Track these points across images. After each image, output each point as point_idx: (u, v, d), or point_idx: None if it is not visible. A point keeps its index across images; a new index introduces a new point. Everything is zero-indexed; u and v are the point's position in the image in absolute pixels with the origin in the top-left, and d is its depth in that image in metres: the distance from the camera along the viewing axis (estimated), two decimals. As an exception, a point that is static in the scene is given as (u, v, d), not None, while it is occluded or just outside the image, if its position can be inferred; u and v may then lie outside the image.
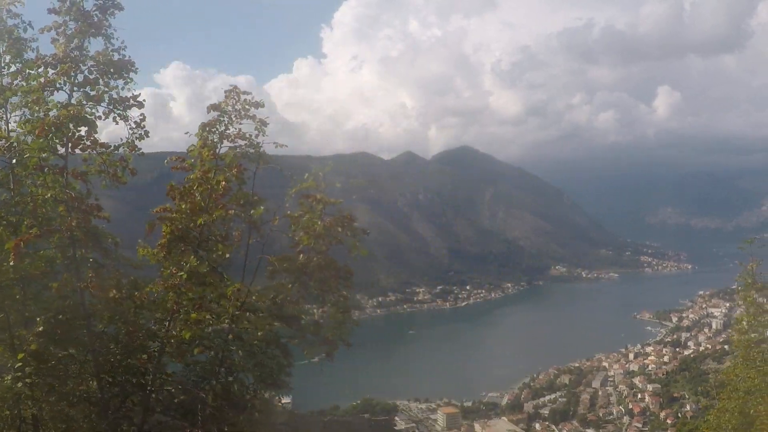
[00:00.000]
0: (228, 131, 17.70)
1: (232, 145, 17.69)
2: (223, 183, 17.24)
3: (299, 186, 18.63)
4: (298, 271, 18.18)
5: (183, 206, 16.90)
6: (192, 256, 16.74)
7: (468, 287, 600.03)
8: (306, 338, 18.37)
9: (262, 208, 18.09)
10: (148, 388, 17.11)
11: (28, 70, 16.84)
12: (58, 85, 16.23)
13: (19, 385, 15.37)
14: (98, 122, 16.61)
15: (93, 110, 16.58)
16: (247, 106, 17.83)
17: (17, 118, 17.10)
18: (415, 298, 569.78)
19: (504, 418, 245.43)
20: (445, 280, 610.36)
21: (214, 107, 17.66)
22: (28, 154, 16.32)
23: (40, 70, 16.41)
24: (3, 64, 17.54)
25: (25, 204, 16.42)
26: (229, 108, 17.71)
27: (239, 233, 18.00)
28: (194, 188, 17.03)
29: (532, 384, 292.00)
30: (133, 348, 16.58)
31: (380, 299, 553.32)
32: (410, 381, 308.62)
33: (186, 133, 17.24)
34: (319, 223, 18.19)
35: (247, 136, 17.80)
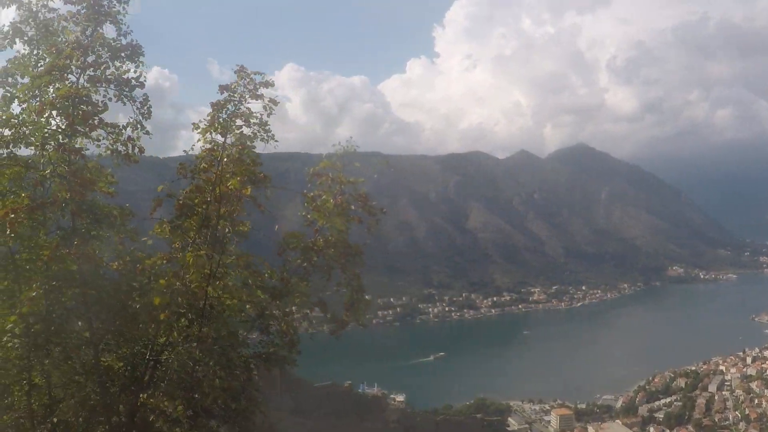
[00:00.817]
0: (239, 110, 17.87)
1: (244, 124, 17.88)
2: (225, 159, 17.51)
3: (315, 167, 18.68)
4: (306, 248, 18.32)
5: (192, 186, 17.30)
6: (194, 232, 17.15)
7: (583, 287, 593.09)
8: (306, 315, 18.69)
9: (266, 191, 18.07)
10: (151, 358, 17.50)
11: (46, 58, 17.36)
12: (65, 69, 16.65)
13: (16, 343, 16.09)
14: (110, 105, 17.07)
15: (105, 92, 17.01)
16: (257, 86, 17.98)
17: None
18: (531, 298, 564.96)
19: (618, 420, 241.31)
20: (560, 280, 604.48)
21: (224, 88, 17.90)
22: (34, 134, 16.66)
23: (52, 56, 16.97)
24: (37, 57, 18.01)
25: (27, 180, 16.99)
26: (240, 88, 17.93)
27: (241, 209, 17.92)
28: (200, 166, 17.43)
29: (647, 387, 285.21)
30: (129, 318, 16.84)
31: (495, 299, 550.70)
32: (524, 381, 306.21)
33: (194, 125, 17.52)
34: (331, 201, 18.28)
35: (257, 115, 17.96)
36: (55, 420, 17.00)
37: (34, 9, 17.42)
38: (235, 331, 17.79)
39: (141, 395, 17.37)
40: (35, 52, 17.43)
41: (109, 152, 17.18)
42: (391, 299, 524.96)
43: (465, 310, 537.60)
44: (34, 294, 15.71)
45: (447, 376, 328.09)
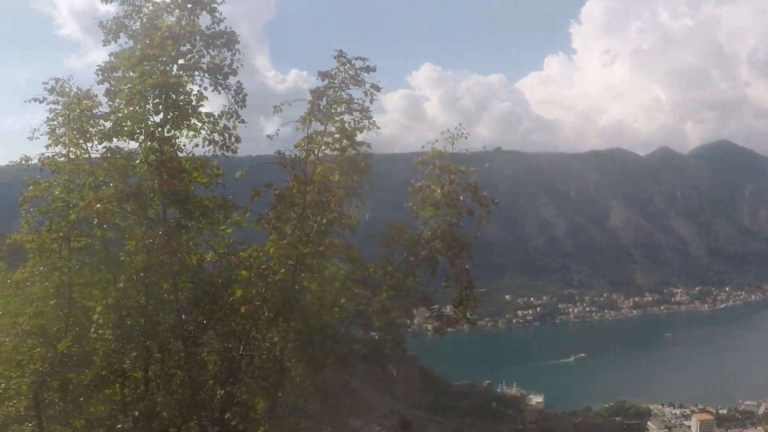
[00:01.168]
0: (339, 96, 17.25)
1: (345, 111, 17.26)
2: (323, 148, 16.91)
3: (422, 157, 17.79)
4: (411, 240, 17.42)
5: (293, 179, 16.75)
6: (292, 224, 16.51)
7: (727, 288, 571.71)
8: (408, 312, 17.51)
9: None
10: (245, 353, 16.93)
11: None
12: (154, 59, 16.47)
13: (108, 335, 16.10)
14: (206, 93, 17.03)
15: (201, 81, 16.96)
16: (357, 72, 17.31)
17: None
18: (672, 299, 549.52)
19: (760, 427, 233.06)
20: (703, 280, 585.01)
21: (324, 74, 17.29)
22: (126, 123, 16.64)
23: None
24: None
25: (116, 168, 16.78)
26: (339, 74, 17.31)
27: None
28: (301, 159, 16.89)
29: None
30: (221, 311, 16.33)
31: (636, 299, 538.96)
32: (664, 385, 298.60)
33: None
34: (438, 191, 17.38)
35: (357, 101, 17.30)
36: (145, 411, 16.59)
37: (138, 3, 17.11)
38: (326, 326, 16.97)
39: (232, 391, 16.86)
40: (139, 45, 17.10)
41: (206, 142, 17.05)
42: (531, 299, 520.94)
43: (605, 311, 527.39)
44: (121, 285, 15.49)
45: (586, 377, 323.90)
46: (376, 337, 17.53)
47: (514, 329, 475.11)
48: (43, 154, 17.42)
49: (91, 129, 17.14)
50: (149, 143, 16.38)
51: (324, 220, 16.82)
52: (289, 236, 16.45)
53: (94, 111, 17.27)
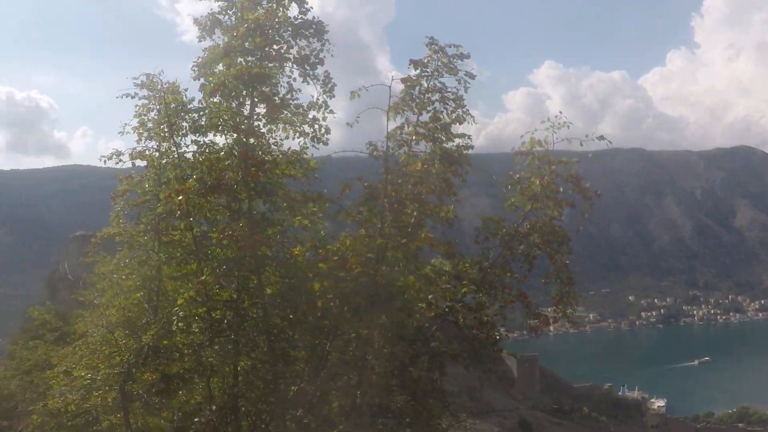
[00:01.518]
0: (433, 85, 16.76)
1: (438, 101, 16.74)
2: (415, 139, 16.51)
3: (520, 147, 17.12)
4: (508, 235, 16.73)
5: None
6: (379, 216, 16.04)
7: None
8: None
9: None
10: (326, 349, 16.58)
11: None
12: (237, 50, 16.28)
13: (179, 325, 16.11)
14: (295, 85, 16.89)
15: (290, 71, 16.78)
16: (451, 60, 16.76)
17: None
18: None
19: None
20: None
21: (416, 63, 16.79)
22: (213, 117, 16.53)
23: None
24: None
25: (200, 162, 16.59)
26: (432, 63, 16.78)
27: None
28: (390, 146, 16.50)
29: None
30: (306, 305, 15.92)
31: (762, 302, 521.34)
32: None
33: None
34: (537, 182, 16.68)
35: (450, 90, 16.76)
36: (231, 405, 16.58)
37: None
38: (406, 323, 16.35)
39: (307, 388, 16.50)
40: (225, 38, 16.95)
41: (297, 134, 16.86)
42: (655, 300, 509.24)
43: (731, 313, 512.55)
44: (203, 278, 15.34)
45: (710, 382, 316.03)
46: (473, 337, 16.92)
47: (636, 331, 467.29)
48: (134, 148, 17.55)
49: (180, 123, 17.07)
50: (234, 135, 16.21)
51: (414, 212, 16.26)
52: (378, 229, 16.01)
53: (187, 105, 17.23)
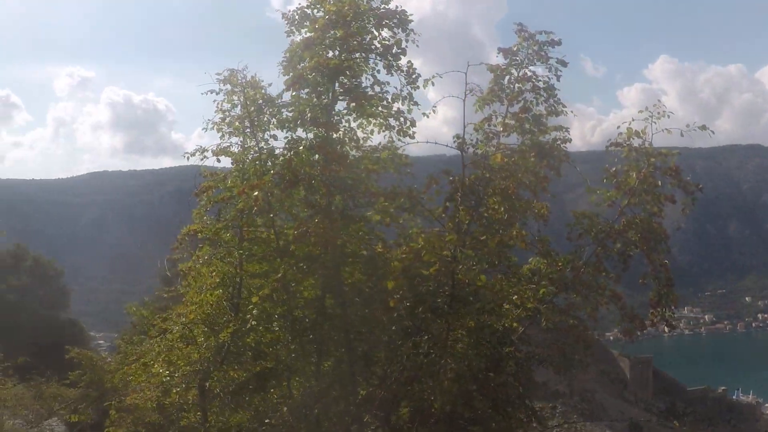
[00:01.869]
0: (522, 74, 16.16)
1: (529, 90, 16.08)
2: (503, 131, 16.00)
3: (616, 138, 16.26)
4: (602, 231, 15.86)
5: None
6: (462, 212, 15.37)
7: None
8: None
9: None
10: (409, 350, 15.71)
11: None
12: (317, 42, 15.95)
13: (253, 324, 15.96)
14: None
15: (374, 63, 16.26)
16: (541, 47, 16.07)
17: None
18: None
19: None
20: None
21: (506, 51, 16.16)
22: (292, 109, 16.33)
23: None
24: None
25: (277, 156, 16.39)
26: (522, 50, 16.11)
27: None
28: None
29: None
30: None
31: None
32: None
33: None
34: (633, 175, 15.79)
35: (542, 78, 16.15)
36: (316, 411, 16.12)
37: None
38: (492, 324, 15.57)
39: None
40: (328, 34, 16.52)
41: (382, 128, 16.38)
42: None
43: None
44: (279, 275, 14.99)
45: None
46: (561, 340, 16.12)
47: (753, 333, 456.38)
48: (218, 144, 17.29)
49: (263, 118, 16.88)
50: (312, 128, 15.90)
51: (501, 208, 15.50)
52: (457, 224, 15.29)
53: (273, 101, 16.95)
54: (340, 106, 16.33)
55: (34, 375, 30.95)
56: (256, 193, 14.62)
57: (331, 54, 15.77)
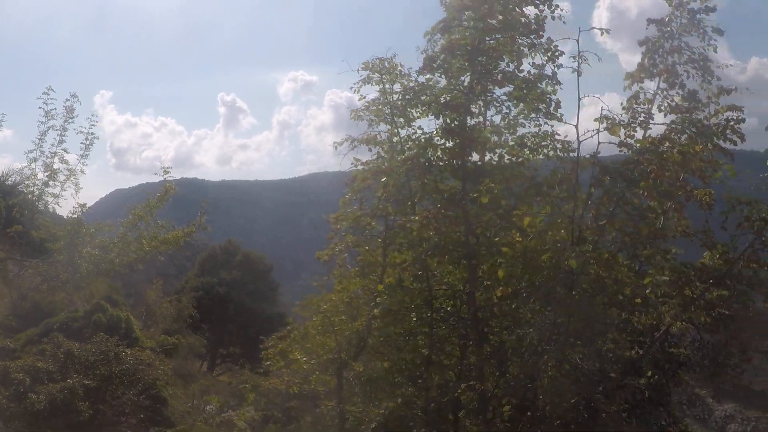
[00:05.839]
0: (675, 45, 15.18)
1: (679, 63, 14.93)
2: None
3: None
4: (764, 219, 14.03)
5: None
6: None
7: None
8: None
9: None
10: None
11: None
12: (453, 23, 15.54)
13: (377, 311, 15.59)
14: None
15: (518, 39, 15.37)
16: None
17: None
18: None
19: None
20: None
21: (655, 22, 15.13)
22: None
23: None
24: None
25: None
26: (674, 21, 15.01)
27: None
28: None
29: None
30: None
31: None
32: None
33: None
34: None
35: (695, 50, 15.14)
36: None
37: None
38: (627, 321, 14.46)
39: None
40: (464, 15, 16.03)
41: (529, 111, 15.73)
42: None
43: None
44: (405, 264, 15.13)
45: None
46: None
47: None
48: (366, 132, 17.29)
49: (404, 104, 16.45)
50: (446, 112, 15.14)
51: (654, 193, 14.32)
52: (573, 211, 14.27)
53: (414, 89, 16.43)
54: (498, 92, 15.86)
55: (240, 364, 32.14)
56: (384, 179, 14.06)
57: (469, 35, 15.04)
